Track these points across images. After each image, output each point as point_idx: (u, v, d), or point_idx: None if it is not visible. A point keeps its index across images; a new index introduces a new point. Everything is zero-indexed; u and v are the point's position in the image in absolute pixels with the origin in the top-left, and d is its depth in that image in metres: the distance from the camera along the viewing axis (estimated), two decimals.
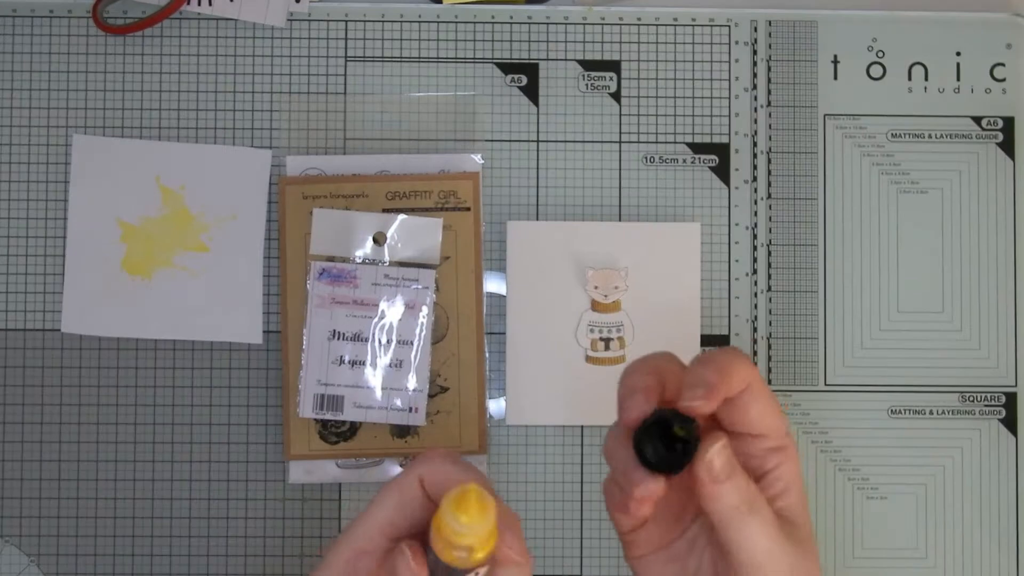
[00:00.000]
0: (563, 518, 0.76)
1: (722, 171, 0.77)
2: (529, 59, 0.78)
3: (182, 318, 0.75)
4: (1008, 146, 0.78)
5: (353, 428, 0.74)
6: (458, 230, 0.75)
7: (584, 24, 0.78)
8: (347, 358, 0.74)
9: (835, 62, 0.78)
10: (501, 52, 0.78)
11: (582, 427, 0.76)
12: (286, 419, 0.74)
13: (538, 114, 0.77)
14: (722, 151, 0.78)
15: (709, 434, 0.55)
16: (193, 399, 0.76)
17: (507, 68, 0.77)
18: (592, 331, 0.75)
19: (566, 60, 0.78)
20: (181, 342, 0.76)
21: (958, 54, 0.78)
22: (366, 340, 0.74)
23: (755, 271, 0.77)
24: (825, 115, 0.78)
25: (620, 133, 0.77)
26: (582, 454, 0.76)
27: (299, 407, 0.74)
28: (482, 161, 0.76)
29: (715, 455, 0.54)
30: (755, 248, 0.77)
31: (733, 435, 0.57)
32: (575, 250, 0.76)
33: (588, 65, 0.78)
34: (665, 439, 0.54)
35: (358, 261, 0.74)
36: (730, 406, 0.56)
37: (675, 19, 0.78)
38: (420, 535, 0.53)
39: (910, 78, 0.78)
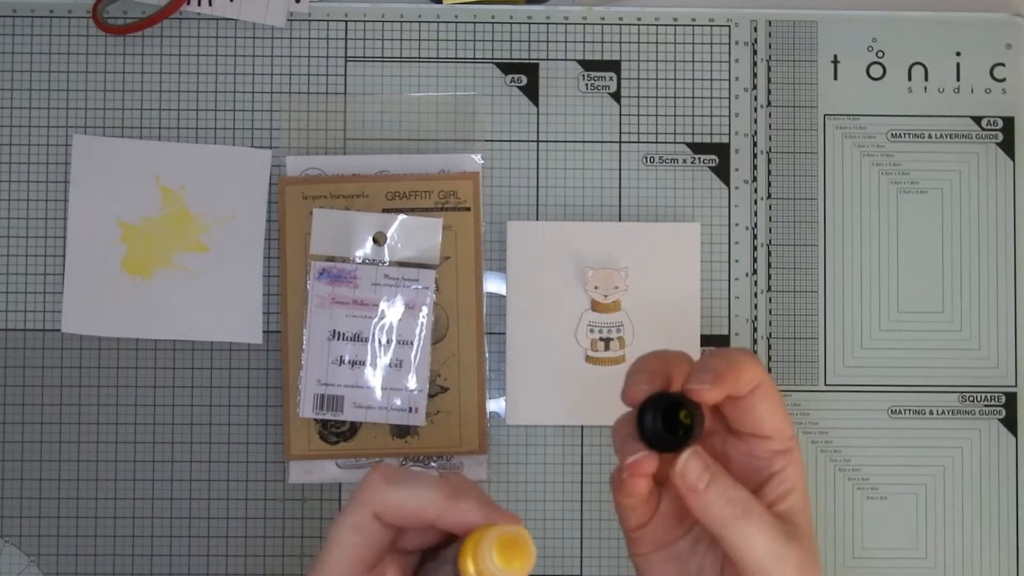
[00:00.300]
0: (563, 518, 0.76)
1: (722, 171, 0.77)
2: (529, 59, 0.78)
3: (182, 318, 0.75)
4: (1008, 146, 0.78)
5: (353, 428, 0.74)
6: (458, 230, 0.75)
7: (584, 24, 0.78)
8: (347, 358, 0.74)
9: (835, 62, 0.78)
10: (501, 52, 0.78)
11: (582, 427, 0.76)
12: (286, 419, 0.74)
13: (538, 114, 0.77)
14: (722, 151, 0.78)
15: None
16: (193, 399, 0.76)
17: (507, 68, 0.77)
18: (592, 331, 0.75)
19: (566, 60, 0.78)
20: (181, 342, 0.76)
21: (958, 54, 0.78)
22: (366, 340, 0.74)
23: (755, 271, 0.77)
24: (825, 115, 0.78)
25: (620, 133, 0.77)
26: (582, 454, 0.76)
27: (299, 407, 0.74)
28: (482, 161, 0.76)
29: (684, 465, 0.54)
30: (755, 248, 0.77)
31: (740, 436, 0.57)
32: (575, 250, 0.76)
33: (588, 65, 0.78)
34: (668, 422, 0.54)
35: (358, 261, 0.74)
36: (737, 405, 0.56)
37: (675, 19, 0.78)
38: (394, 542, 0.53)
39: (910, 78, 0.78)
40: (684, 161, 0.77)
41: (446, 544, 0.54)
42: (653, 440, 0.55)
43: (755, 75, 0.78)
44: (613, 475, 0.57)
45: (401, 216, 0.74)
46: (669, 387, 0.56)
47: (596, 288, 0.75)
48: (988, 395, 0.77)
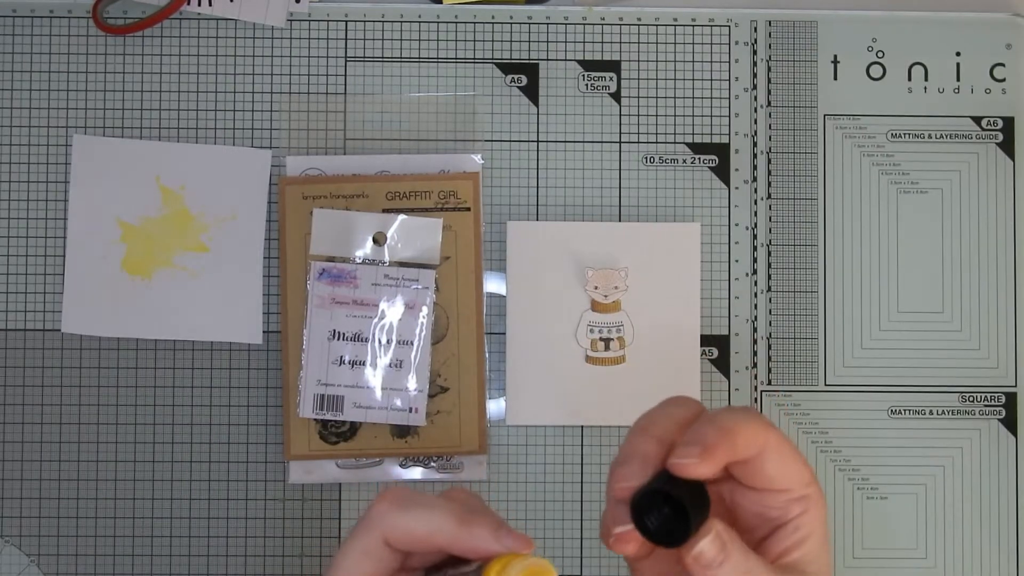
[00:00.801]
0: (563, 518, 0.76)
1: (722, 171, 0.77)
2: (529, 59, 0.78)
3: (182, 318, 0.75)
4: (1008, 146, 0.78)
5: (353, 428, 0.74)
6: (458, 230, 0.75)
7: (584, 24, 0.78)
8: (347, 358, 0.74)
9: (835, 62, 0.78)
10: (501, 52, 0.78)
11: (582, 427, 0.76)
12: (286, 419, 0.74)
13: (538, 114, 0.77)
14: (722, 151, 0.78)
15: (706, 522, 0.51)
16: (193, 399, 0.76)
17: (507, 68, 0.77)
18: (592, 331, 0.75)
19: (566, 60, 0.78)
20: (181, 342, 0.76)
21: (958, 54, 0.78)
22: (366, 340, 0.74)
23: (755, 271, 0.77)
24: (825, 115, 0.78)
25: (620, 133, 0.77)
26: (582, 454, 0.76)
27: (299, 407, 0.74)
28: (482, 161, 0.76)
29: (705, 548, 0.50)
30: (755, 248, 0.77)
31: (752, 489, 0.53)
32: (575, 250, 0.76)
33: (588, 65, 0.78)
34: (670, 501, 0.50)
35: (358, 261, 0.74)
36: (744, 466, 0.52)
37: (675, 19, 0.78)
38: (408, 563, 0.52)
39: (910, 78, 0.78)
40: (684, 161, 0.77)
41: (453, 562, 0.53)
42: (657, 537, 0.50)
43: (755, 75, 0.78)
44: (602, 522, 0.54)
45: (401, 216, 0.74)
46: (666, 457, 0.51)
47: (596, 288, 0.75)
48: (988, 395, 0.77)
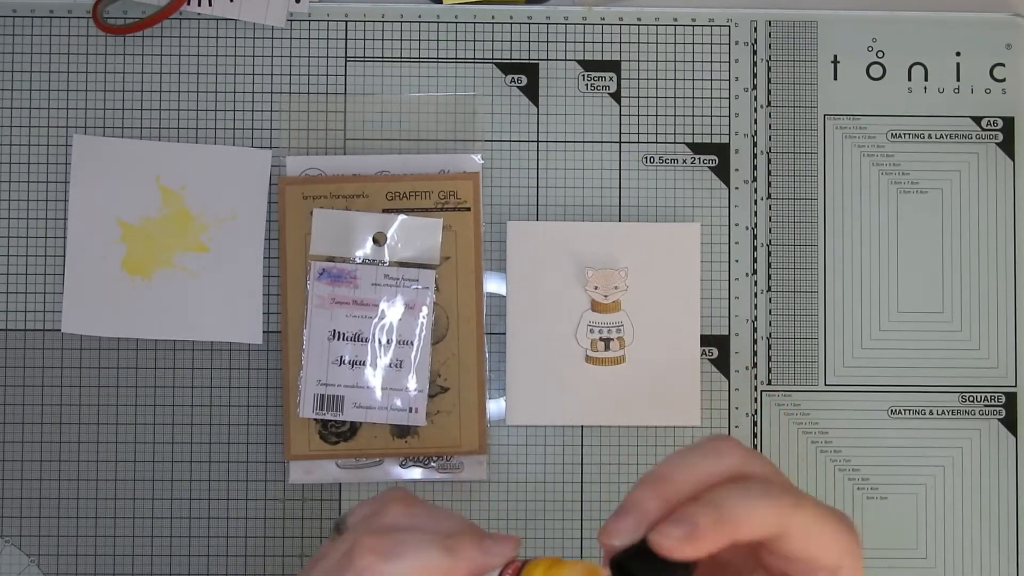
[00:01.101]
0: (563, 518, 0.76)
1: (722, 171, 0.77)
2: (529, 59, 0.78)
3: (182, 318, 0.75)
4: (1008, 146, 0.78)
5: (353, 428, 0.74)
6: (458, 230, 0.75)
7: (584, 24, 0.78)
8: (347, 358, 0.74)
9: (835, 62, 0.78)
10: (501, 52, 0.78)
11: (582, 427, 0.76)
12: (286, 419, 0.74)
13: (538, 114, 0.77)
14: (722, 151, 0.78)
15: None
16: (193, 399, 0.76)
17: (507, 68, 0.77)
18: (592, 331, 0.75)
19: (566, 60, 0.78)
20: (181, 342, 0.76)
21: (958, 54, 0.78)
22: (366, 340, 0.74)
23: (755, 271, 0.77)
24: (825, 115, 0.78)
25: (620, 133, 0.77)
26: (582, 454, 0.76)
27: (299, 407, 0.74)
28: (482, 161, 0.76)
29: None
30: (755, 248, 0.77)
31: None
32: (575, 250, 0.76)
33: (588, 65, 0.78)
34: (655, 562, 0.46)
35: (358, 261, 0.74)
36: (760, 542, 0.47)
37: (675, 19, 0.78)
38: None
39: (910, 78, 0.78)
40: (684, 161, 0.77)
41: None
42: None
43: (755, 75, 0.78)
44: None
45: (401, 216, 0.74)
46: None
47: (596, 288, 0.75)
48: (988, 395, 0.77)
